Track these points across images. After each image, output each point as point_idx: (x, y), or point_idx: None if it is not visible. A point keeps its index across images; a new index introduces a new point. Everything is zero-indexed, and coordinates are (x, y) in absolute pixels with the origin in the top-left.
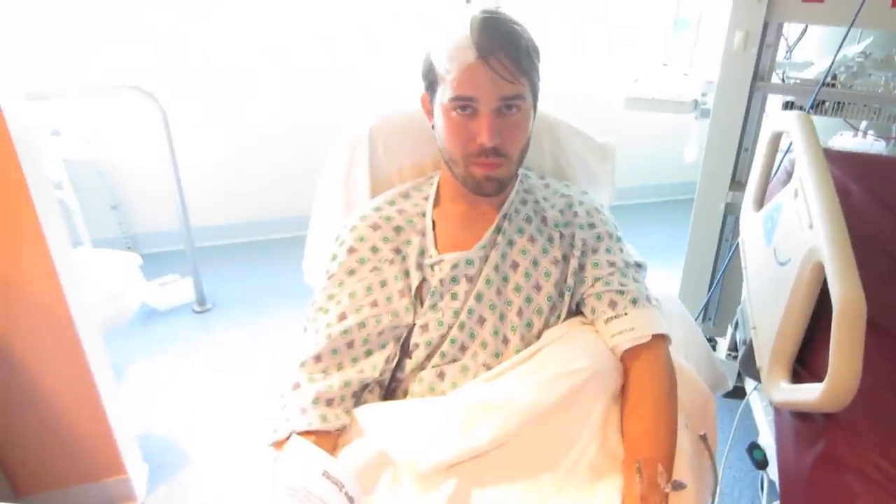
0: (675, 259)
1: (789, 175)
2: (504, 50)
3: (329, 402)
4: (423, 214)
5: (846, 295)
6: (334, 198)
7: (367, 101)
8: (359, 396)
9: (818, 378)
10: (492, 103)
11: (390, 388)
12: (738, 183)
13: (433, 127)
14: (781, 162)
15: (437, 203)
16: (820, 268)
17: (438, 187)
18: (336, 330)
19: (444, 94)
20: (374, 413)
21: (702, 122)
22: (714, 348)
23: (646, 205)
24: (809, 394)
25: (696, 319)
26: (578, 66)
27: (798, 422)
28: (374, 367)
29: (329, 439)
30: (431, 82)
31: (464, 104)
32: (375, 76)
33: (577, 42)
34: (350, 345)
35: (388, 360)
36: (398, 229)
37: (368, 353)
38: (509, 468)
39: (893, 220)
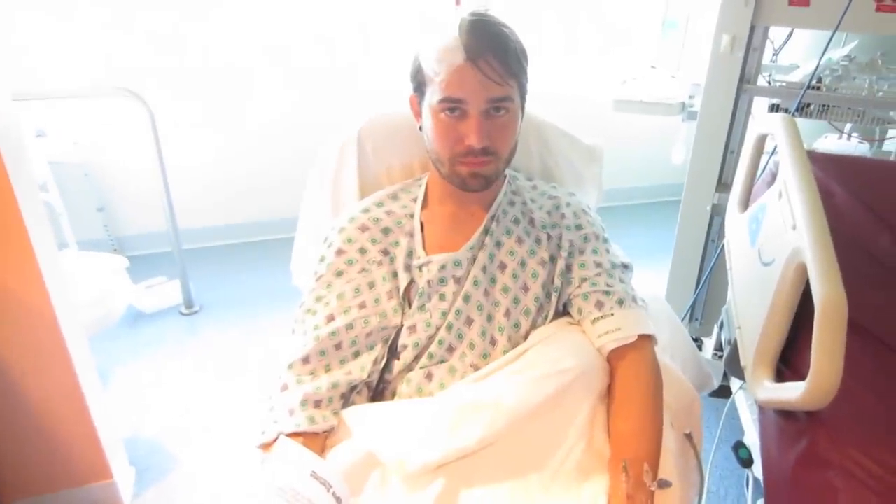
0: (663, 260)
1: (774, 176)
2: (492, 52)
3: (317, 404)
4: (412, 216)
5: (828, 295)
6: (322, 199)
7: (358, 102)
8: (347, 398)
9: (801, 377)
10: (480, 105)
11: (378, 390)
12: (724, 184)
13: (421, 128)
14: (767, 163)
15: (425, 204)
16: (803, 268)
17: (427, 188)
18: (324, 331)
19: (432, 96)
20: (362, 414)
21: (689, 125)
22: (700, 348)
23: (634, 206)
24: (792, 392)
25: (682, 319)
26: (567, 68)
27: (782, 420)
28: (362, 368)
29: (317, 441)
30: (420, 84)
31: (452, 106)
32: (368, 77)
33: (567, 44)
34: (338, 346)
35: (376, 362)
36: (386, 230)
37: (356, 355)
38: (497, 468)
39: (876, 222)
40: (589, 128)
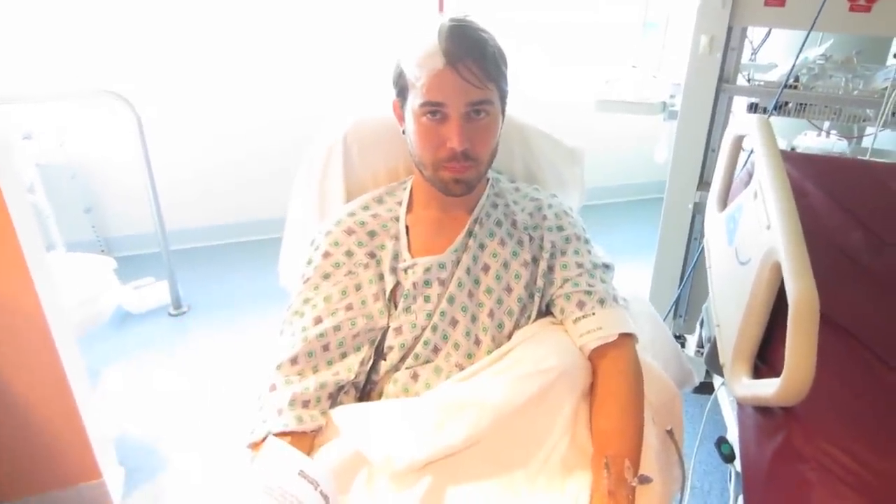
0: (647, 256)
1: (751, 176)
2: (472, 57)
3: (305, 404)
4: (397, 219)
5: (800, 293)
6: (309, 202)
7: (343, 103)
8: (334, 398)
9: (777, 373)
10: (460, 108)
11: (365, 390)
12: (705, 183)
13: (404, 132)
14: (745, 164)
15: (410, 208)
16: (778, 267)
17: (411, 192)
18: (312, 333)
19: (414, 100)
20: (349, 414)
21: (670, 124)
22: (683, 345)
23: (618, 204)
24: (768, 388)
25: (666, 317)
26: (550, 70)
27: (759, 416)
28: (349, 369)
29: (305, 440)
30: (402, 88)
31: (433, 109)
32: (352, 79)
33: (549, 47)
34: (325, 347)
35: (362, 363)
36: (372, 234)
37: (343, 356)
38: (482, 465)
39: (848, 220)
40: (573, 125)
